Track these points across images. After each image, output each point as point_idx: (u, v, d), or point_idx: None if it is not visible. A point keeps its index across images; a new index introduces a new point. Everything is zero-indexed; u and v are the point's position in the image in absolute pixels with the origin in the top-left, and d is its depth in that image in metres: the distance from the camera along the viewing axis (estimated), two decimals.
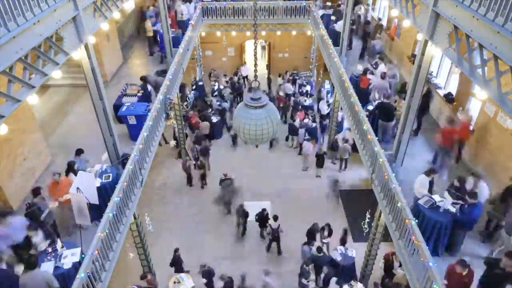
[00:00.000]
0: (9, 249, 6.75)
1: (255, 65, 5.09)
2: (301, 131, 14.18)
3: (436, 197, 7.76)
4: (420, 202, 7.72)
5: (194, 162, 13.22)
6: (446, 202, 7.59)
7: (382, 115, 10.87)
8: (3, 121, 5.29)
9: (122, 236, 7.38)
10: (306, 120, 14.48)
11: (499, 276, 6.07)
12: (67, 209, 7.95)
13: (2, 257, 6.47)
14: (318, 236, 10.49)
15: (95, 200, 7.85)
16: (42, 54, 5.99)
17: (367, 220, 10.19)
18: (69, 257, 7.11)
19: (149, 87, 13.41)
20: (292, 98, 15.99)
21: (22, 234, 7.01)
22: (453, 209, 7.49)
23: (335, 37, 15.05)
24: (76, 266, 6.85)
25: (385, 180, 7.77)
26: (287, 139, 15.09)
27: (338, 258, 9.59)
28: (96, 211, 8.09)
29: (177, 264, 9.68)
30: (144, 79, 13.59)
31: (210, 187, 13.03)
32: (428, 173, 8.14)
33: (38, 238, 7.10)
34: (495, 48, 5.15)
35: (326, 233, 10.41)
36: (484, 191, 7.75)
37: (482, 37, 5.47)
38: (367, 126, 9.08)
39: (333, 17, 17.51)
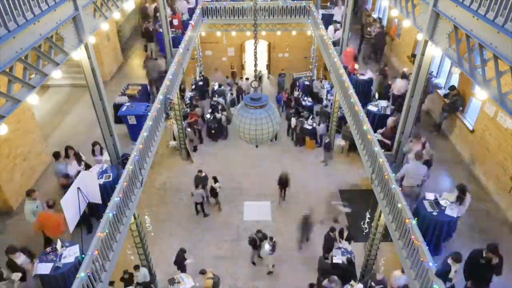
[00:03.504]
0: None
1: (255, 65, 5.10)
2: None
3: (442, 202, 7.72)
4: (425, 204, 7.71)
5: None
6: (447, 204, 7.61)
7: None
8: (3, 121, 5.28)
9: (122, 236, 7.38)
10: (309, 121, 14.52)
11: (483, 266, 6.20)
12: None
13: None
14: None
15: (98, 199, 7.87)
16: (42, 54, 5.99)
17: (367, 220, 10.19)
18: (68, 257, 7.13)
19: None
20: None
21: None
22: (453, 214, 7.50)
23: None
24: (76, 266, 6.86)
25: (385, 180, 7.78)
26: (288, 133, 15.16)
27: (339, 259, 9.54)
28: (97, 211, 8.11)
29: (179, 264, 9.69)
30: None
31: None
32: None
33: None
34: (495, 48, 5.15)
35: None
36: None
37: (482, 37, 5.47)
38: (367, 126, 9.08)
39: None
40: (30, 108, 11.00)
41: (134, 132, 12.06)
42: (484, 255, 6.18)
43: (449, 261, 6.10)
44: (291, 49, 19.24)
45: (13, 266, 6.85)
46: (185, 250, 9.72)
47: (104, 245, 6.57)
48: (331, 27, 16.52)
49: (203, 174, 11.97)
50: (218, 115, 14.98)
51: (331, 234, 9.85)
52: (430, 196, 7.94)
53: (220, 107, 15.48)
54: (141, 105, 12.99)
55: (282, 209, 12.21)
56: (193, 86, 17.29)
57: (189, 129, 13.99)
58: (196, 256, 10.59)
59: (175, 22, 17.23)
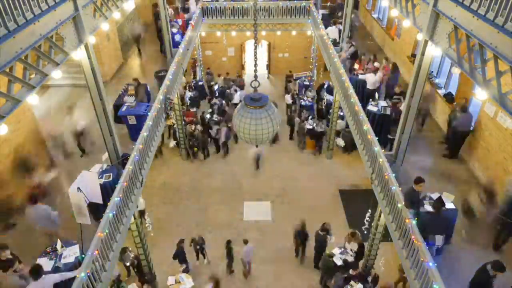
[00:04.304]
0: None
1: (255, 65, 5.10)
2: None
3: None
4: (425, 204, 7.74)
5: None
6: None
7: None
8: (3, 121, 5.28)
9: (122, 236, 7.37)
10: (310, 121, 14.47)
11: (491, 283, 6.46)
12: None
13: None
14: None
15: (98, 199, 7.88)
16: (42, 54, 5.99)
17: (367, 220, 10.19)
18: (68, 257, 7.14)
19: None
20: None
21: None
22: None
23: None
24: (76, 266, 6.86)
25: (385, 180, 7.77)
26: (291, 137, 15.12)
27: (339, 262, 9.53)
28: (96, 211, 8.12)
29: (180, 255, 9.68)
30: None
31: (211, 187, 13.03)
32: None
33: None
34: (495, 48, 5.15)
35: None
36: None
37: (482, 37, 5.47)
38: (367, 126, 9.08)
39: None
40: (30, 108, 11.01)
41: (134, 132, 12.07)
42: (490, 272, 6.33)
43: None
44: (291, 49, 19.24)
45: None
46: (183, 240, 9.75)
47: (104, 245, 6.56)
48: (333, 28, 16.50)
49: None
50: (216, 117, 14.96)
51: (321, 233, 9.83)
52: (433, 196, 7.96)
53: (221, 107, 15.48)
54: (141, 105, 13.00)
55: (282, 209, 12.21)
56: (193, 87, 17.27)
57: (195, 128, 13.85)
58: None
59: (179, 21, 17.28)
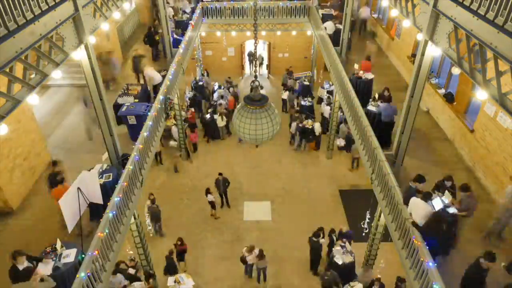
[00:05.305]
0: None
1: (255, 65, 5.09)
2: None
3: (437, 202, 7.71)
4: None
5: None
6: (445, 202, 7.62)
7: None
8: (3, 121, 5.28)
9: (122, 237, 7.37)
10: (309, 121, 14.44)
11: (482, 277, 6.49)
12: None
13: None
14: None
15: (99, 199, 7.87)
16: (42, 54, 5.99)
17: (367, 220, 10.20)
18: (68, 257, 7.13)
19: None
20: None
21: None
22: (453, 210, 7.51)
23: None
24: (76, 266, 6.86)
25: (385, 180, 7.77)
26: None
27: (340, 261, 9.52)
28: (96, 211, 8.11)
29: (170, 268, 9.69)
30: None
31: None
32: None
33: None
34: (495, 48, 5.15)
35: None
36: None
37: (482, 37, 5.47)
38: (367, 126, 9.07)
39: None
40: (30, 108, 11.01)
41: (134, 132, 12.05)
42: (483, 265, 6.36)
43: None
44: (291, 49, 19.24)
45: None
46: (172, 252, 9.82)
47: (104, 245, 6.56)
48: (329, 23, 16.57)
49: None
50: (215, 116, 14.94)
51: (314, 239, 9.76)
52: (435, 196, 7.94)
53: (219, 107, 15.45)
54: (141, 105, 12.99)
55: (282, 209, 12.21)
56: (193, 87, 17.26)
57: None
58: (196, 256, 10.61)
59: None
